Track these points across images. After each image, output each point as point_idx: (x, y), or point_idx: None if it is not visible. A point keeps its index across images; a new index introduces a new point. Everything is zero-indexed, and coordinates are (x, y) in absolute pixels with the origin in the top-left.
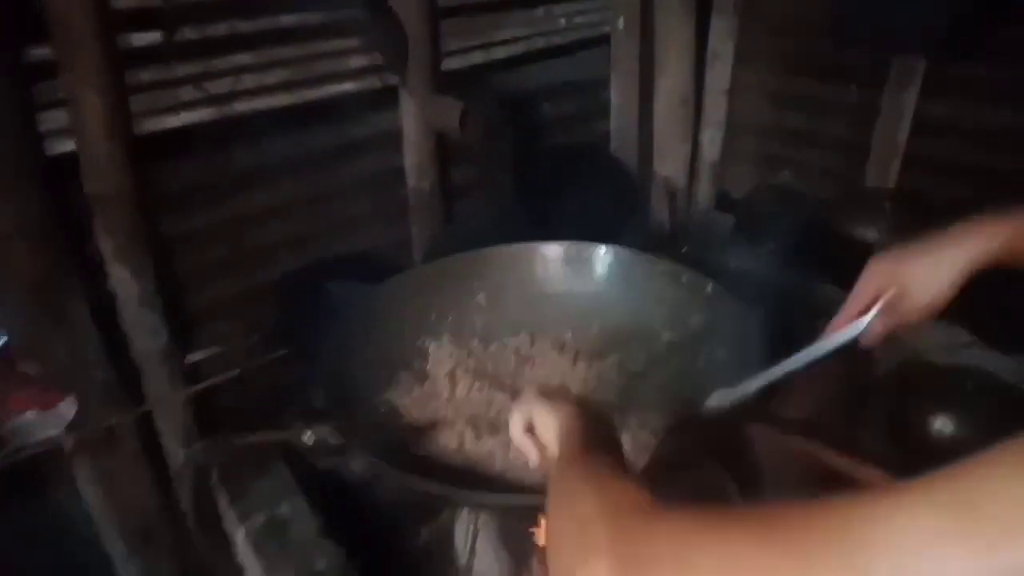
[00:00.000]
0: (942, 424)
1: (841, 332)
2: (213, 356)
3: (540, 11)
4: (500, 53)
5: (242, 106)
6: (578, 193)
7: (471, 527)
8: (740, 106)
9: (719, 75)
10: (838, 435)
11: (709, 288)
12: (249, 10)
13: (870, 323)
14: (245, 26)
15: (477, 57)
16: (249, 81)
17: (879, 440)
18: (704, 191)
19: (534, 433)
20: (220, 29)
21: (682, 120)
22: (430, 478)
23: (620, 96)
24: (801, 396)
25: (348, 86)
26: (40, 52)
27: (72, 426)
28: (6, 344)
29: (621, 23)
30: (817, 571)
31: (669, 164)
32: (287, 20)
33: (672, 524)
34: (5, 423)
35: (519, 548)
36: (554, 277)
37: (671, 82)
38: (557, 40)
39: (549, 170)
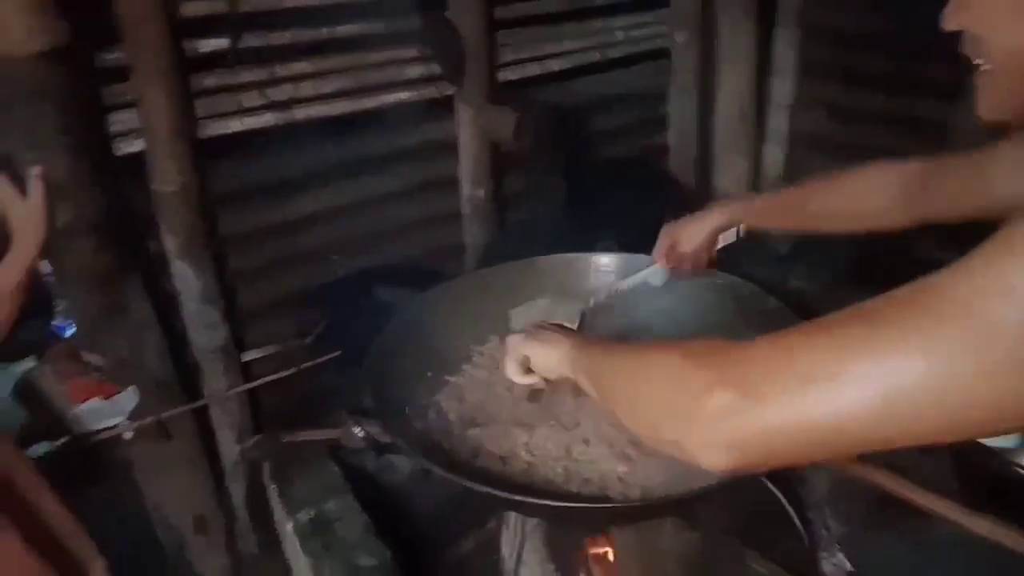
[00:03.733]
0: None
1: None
2: (267, 356)
3: (598, 24)
4: (556, 65)
5: (301, 112)
6: (634, 205)
7: (519, 535)
8: (803, 120)
9: (781, 89)
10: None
11: (770, 304)
12: (311, 19)
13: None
14: (306, 35)
15: (533, 69)
16: (309, 88)
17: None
18: None
19: (531, 371)
20: (283, 37)
21: (742, 134)
22: (477, 480)
23: (678, 109)
24: None
25: (404, 95)
26: (112, 56)
27: (132, 416)
28: (73, 335)
29: (681, 36)
30: (938, 329)
31: (728, 178)
32: (347, 30)
33: (770, 341)
34: (70, 411)
35: (567, 560)
36: (606, 287)
37: (731, 95)
38: (614, 53)
39: (605, 181)
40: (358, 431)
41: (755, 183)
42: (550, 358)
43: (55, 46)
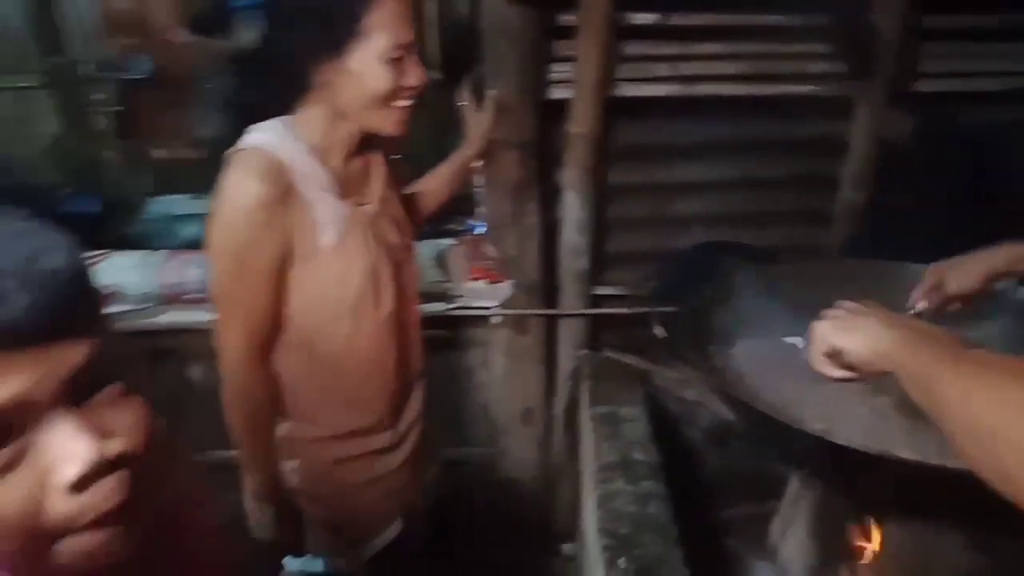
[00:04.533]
0: None
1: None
2: (613, 295)
3: None
4: (983, 85)
5: (705, 88)
6: None
7: (791, 511)
8: None
9: None
10: None
11: None
12: (732, 5)
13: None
14: (725, 19)
15: (956, 84)
16: (716, 68)
17: None
18: None
19: (837, 357)
20: (703, 19)
21: None
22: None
23: None
24: None
25: (805, 88)
26: (565, 17)
27: (503, 305)
28: (482, 232)
29: None
30: None
31: None
32: (763, 19)
33: None
34: (463, 284)
35: (830, 543)
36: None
37: None
38: None
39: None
40: (659, 331)
41: None
42: (867, 352)
43: None
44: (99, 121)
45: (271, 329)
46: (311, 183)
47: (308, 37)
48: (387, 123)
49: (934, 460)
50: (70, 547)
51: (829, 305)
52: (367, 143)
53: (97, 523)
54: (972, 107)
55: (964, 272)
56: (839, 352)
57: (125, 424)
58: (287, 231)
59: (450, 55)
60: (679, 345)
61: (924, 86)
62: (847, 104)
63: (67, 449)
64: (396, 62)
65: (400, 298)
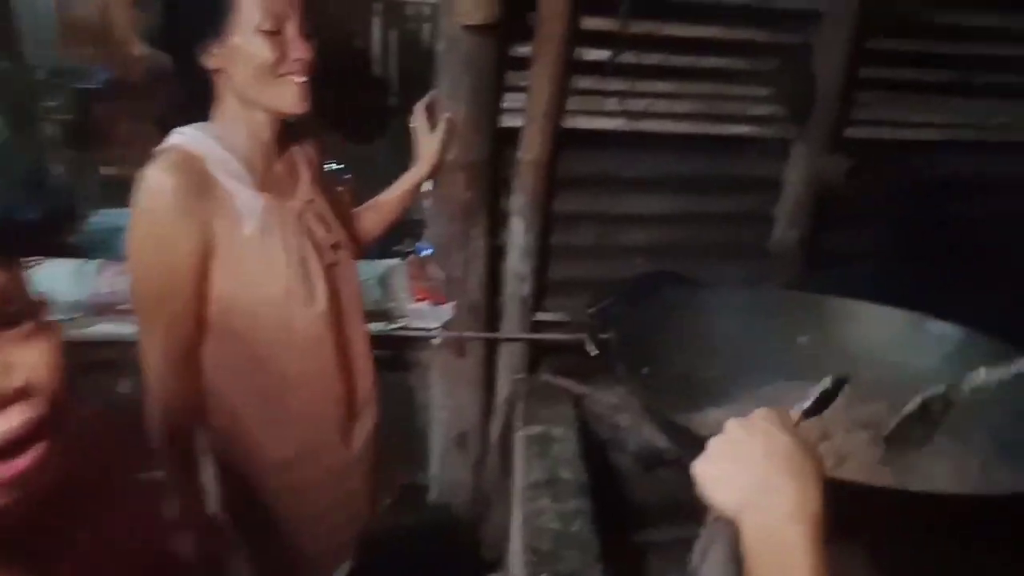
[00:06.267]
0: None
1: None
2: (553, 321)
3: (980, 104)
4: (914, 134)
5: (651, 125)
6: (977, 301)
7: (712, 533)
8: None
9: None
10: None
11: None
12: (681, 47)
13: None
14: (673, 60)
15: (885, 132)
16: (663, 106)
17: None
18: None
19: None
20: (654, 59)
21: None
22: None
23: None
24: None
25: (746, 128)
26: (521, 49)
27: (444, 327)
28: (429, 254)
29: None
30: None
31: None
32: (710, 62)
33: None
34: (407, 303)
35: None
36: (889, 344)
37: None
38: (992, 136)
39: (948, 263)
40: (592, 348)
41: None
42: (723, 505)
43: (488, 22)
44: (49, 129)
45: (195, 330)
46: (229, 175)
47: (189, 20)
48: (284, 100)
49: (854, 478)
50: None
51: (760, 333)
52: (288, 137)
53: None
54: (905, 154)
55: None
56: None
57: (33, 361)
58: (206, 222)
59: (408, 80)
60: (613, 363)
61: (858, 132)
62: (785, 146)
63: None
64: (274, 35)
65: (335, 300)
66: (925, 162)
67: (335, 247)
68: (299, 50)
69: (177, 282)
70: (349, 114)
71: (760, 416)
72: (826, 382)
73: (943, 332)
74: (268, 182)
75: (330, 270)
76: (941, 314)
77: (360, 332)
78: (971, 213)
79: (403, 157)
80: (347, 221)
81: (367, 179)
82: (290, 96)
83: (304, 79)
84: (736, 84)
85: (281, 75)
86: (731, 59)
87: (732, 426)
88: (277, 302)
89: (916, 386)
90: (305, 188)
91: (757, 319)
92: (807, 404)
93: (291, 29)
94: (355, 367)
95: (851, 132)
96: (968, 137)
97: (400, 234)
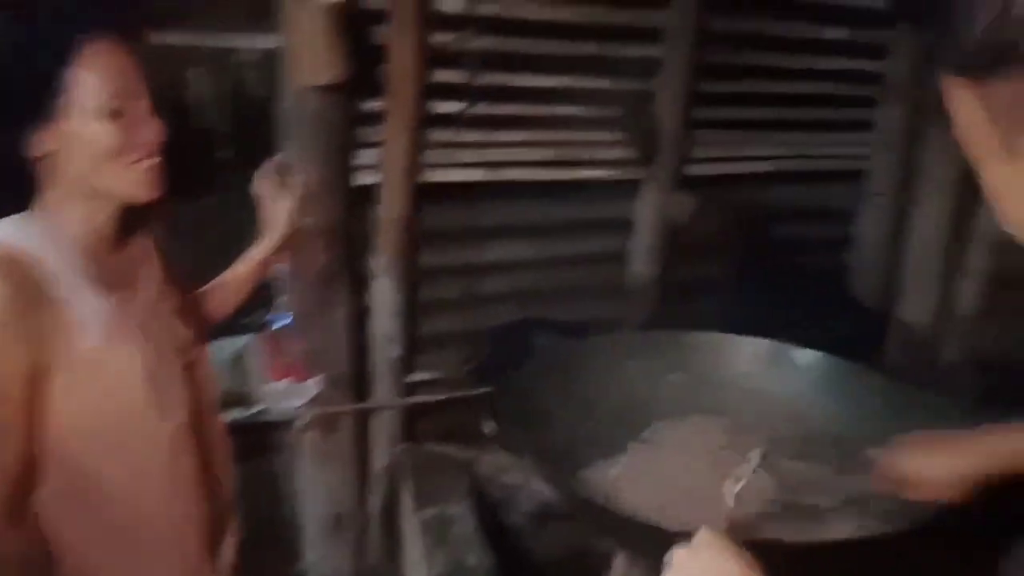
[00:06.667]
0: None
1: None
2: (429, 380)
3: (797, 136)
4: (746, 168)
5: (508, 174)
6: (808, 319)
7: None
8: (1011, 258)
9: (989, 222)
10: None
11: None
12: (532, 97)
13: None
14: (526, 109)
15: (723, 167)
16: (519, 154)
17: None
18: (955, 345)
19: None
20: (507, 109)
21: (935, 266)
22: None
23: (869, 232)
24: None
25: (599, 172)
26: (371, 104)
27: (311, 404)
28: (285, 326)
29: (881, 160)
30: None
31: (916, 310)
32: (562, 110)
33: None
34: (265, 385)
35: None
36: (755, 373)
37: (929, 225)
38: (809, 166)
39: (780, 287)
40: (489, 428)
41: (943, 320)
42: None
43: (334, 82)
44: None
45: (28, 470)
46: (63, 278)
47: (7, 104)
48: (131, 186)
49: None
50: None
51: (633, 376)
52: (131, 227)
53: None
54: (742, 187)
55: (938, 467)
56: None
57: None
58: (36, 339)
59: (242, 136)
60: (507, 437)
61: (699, 170)
62: (635, 187)
63: None
64: (117, 115)
65: (196, 408)
66: (757, 192)
67: (193, 345)
68: (148, 131)
69: (5, 411)
70: (171, 170)
71: (704, 543)
72: (754, 458)
73: (806, 359)
74: (112, 280)
75: (187, 371)
76: (773, 331)
77: (219, 433)
78: (794, 237)
79: (239, 217)
80: (199, 305)
81: (201, 244)
82: (138, 182)
83: (154, 161)
84: (587, 130)
85: (127, 162)
86: (580, 107)
87: (680, 556)
88: (127, 422)
89: (795, 415)
90: (153, 280)
91: (628, 363)
92: (738, 488)
93: (138, 108)
94: (217, 475)
95: (692, 170)
96: (790, 168)
97: (250, 305)
